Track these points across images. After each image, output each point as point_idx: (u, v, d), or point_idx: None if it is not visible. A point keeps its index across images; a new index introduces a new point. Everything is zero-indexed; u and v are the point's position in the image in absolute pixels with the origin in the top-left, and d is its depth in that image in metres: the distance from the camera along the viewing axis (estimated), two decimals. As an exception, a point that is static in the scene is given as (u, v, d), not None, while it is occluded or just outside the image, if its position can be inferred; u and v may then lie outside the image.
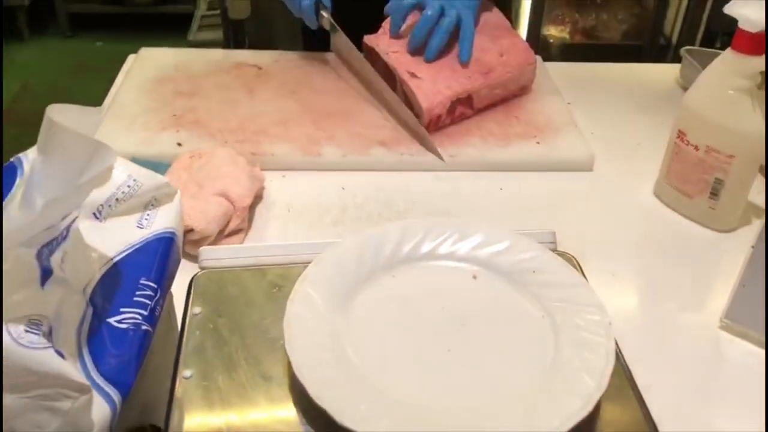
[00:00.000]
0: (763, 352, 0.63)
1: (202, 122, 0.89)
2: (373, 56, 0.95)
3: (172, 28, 2.65)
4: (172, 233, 0.50)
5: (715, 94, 0.74)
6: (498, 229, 0.53)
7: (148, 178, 0.51)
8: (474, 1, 0.93)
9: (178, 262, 0.51)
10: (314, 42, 1.12)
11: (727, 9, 0.72)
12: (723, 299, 0.65)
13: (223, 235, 0.73)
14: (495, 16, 0.98)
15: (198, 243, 0.71)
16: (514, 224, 0.77)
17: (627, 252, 0.76)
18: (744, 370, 0.62)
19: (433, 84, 0.88)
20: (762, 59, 0.70)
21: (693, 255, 0.75)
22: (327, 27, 0.96)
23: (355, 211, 0.79)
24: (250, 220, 0.77)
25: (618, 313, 0.67)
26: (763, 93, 0.72)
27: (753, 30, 0.69)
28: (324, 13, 0.95)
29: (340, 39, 0.98)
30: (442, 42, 0.89)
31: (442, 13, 0.89)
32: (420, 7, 0.91)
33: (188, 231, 0.70)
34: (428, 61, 0.90)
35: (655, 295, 0.71)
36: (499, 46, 0.94)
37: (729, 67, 0.72)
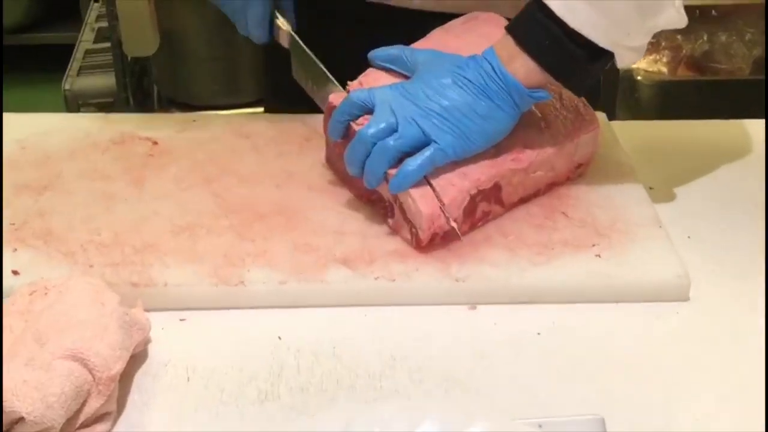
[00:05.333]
0: None
1: (55, 234, 0.90)
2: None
3: (47, 66, 2.73)
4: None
5: None
6: (507, 420, 0.51)
7: None
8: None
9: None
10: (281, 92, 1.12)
11: None
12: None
13: (75, 425, 0.72)
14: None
15: (32, 440, 0.69)
16: (551, 398, 0.77)
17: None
18: None
19: (440, 172, 0.87)
20: None
21: None
22: (285, 44, 0.98)
23: (297, 378, 0.78)
24: (123, 397, 0.76)
25: None
26: None
27: None
28: (282, 25, 0.96)
29: (304, 62, 0.98)
30: (381, 168, 0.87)
31: (395, 128, 0.87)
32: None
33: (16, 421, 0.69)
34: (371, 187, 0.89)
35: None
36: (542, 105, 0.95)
37: None
